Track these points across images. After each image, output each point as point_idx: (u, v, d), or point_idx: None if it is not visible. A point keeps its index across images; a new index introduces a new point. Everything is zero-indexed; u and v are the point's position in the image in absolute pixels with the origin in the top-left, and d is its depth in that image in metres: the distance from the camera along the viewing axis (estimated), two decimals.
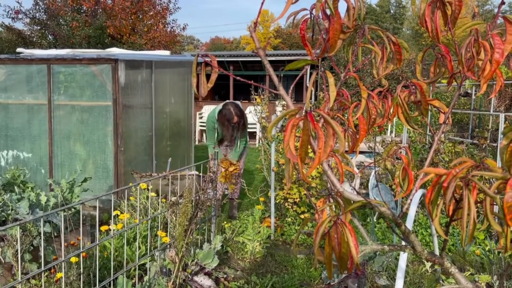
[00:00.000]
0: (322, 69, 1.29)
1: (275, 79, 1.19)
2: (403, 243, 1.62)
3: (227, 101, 4.77)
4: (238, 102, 4.71)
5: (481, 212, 0.93)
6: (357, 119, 1.46)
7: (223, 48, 41.15)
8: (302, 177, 1.05)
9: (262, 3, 1.20)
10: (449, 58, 1.47)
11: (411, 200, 1.38)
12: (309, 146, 1.05)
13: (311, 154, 4.27)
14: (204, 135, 12.26)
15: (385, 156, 1.62)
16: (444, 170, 0.91)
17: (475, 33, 1.40)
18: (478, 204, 0.98)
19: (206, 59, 1.33)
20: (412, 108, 1.54)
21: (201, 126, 12.02)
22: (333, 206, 1.32)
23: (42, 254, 1.81)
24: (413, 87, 1.49)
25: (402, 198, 4.27)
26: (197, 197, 2.94)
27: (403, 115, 1.46)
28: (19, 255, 1.79)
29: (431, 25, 1.43)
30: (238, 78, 1.16)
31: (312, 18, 1.36)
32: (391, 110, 1.52)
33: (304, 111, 1.02)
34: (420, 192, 2.41)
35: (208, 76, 1.26)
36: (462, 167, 0.88)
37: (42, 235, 1.77)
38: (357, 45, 1.44)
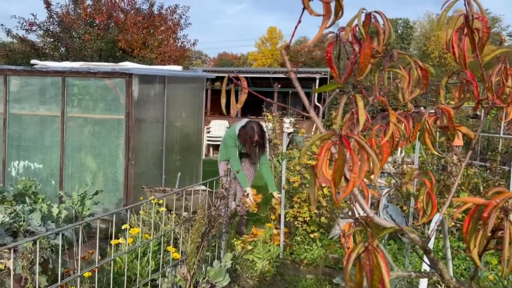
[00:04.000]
0: (351, 91, 1.29)
1: (306, 102, 1.19)
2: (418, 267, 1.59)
3: (249, 119, 4.83)
4: (260, 122, 4.78)
5: None
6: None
7: (231, 64, 41.52)
8: (335, 202, 1.04)
9: (296, 27, 1.21)
10: (475, 84, 1.47)
11: (437, 225, 1.37)
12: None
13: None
14: (211, 149, 12.30)
15: (407, 180, 1.61)
16: (482, 200, 0.90)
17: (503, 60, 1.41)
18: None
19: (232, 75, 1.35)
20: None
21: (208, 140, 12.06)
22: (358, 231, 1.31)
23: (59, 268, 1.80)
24: (440, 111, 1.49)
25: (414, 220, 4.23)
26: (209, 214, 2.93)
27: (429, 140, 1.46)
28: (37, 268, 1.77)
29: (458, 51, 1.44)
30: (263, 97, 1.17)
31: (339, 41, 1.37)
32: (411, 133, 1.52)
33: (338, 135, 1.02)
34: (437, 216, 2.39)
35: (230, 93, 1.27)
36: (501, 197, 0.88)
37: (60, 248, 1.77)
38: (383, 69, 1.45)
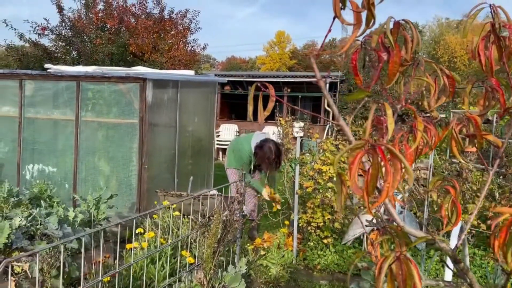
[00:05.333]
0: (380, 100, 1.29)
1: (336, 110, 1.19)
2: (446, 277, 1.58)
3: (267, 137, 4.87)
4: (275, 140, 4.83)
5: None
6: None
7: (239, 67, 41.62)
8: (368, 211, 1.04)
9: (326, 36, 1.21)
10: (501, 92, 1.46)
11: (465, 235, 1.36)
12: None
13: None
14: (220, 153, 12.33)
15: (431, 188, 1.61)
16: None
17: None
18: None
19: (258, 80, 1.37)
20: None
21: (217, 144, 12.09)
22: (386, 240, 1.30)
23: (81, 272, 1.81)
24: (466, 119, 1.48)
25: (428, 226, 4.19)
26: (225, 218, 2.93)
27: (456, 148, 1.45)
28: (61, 273, 1.79)
29: (484, 59, 1.43)
30: (290, 104, 1.17)
31: (364, 49, 1.37)
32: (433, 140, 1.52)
33: (371, 144, 1.02)
34: (460, 224, 2.37)
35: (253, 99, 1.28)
36: None
37: (83, 251, 1.78)
38: (411, 77, 1.45)
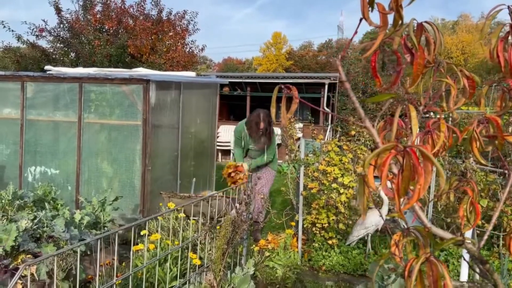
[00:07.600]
0: (406, 102, 1.29)
1: (362, 112, 1.20)
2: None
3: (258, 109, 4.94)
4: (266, 110, 4.84)
5: None
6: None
7: (235, 68, 41.58)
8: (398, 213, 1.04)
9: (351, 39, 1.22)
10: None
11: (487, 236, 1.37)
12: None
13: (339, 179, 4.25)
14: (219, 154, 12.31)
15: (447, 189, 1.61)
16: None
17: None
18: None
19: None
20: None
21: (217, 146, 12.07)
22: (409, 241, 1.30)
23: (97, 273, 1.80)
24: (486, 120, 1.48)
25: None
26: (234, 220, 2.93)
27: (477, 149, 1.45)
28: (77, 275, 1.77)
29: (503, 61, 1.44)
30: (309, 104, 1.17)
31: (383, 51, 1.37)
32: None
33: (403, 146, 1.02)
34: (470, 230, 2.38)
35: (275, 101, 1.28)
36: None
37: (98, 256, 1.77)
38: (432, 78, 1.45)
